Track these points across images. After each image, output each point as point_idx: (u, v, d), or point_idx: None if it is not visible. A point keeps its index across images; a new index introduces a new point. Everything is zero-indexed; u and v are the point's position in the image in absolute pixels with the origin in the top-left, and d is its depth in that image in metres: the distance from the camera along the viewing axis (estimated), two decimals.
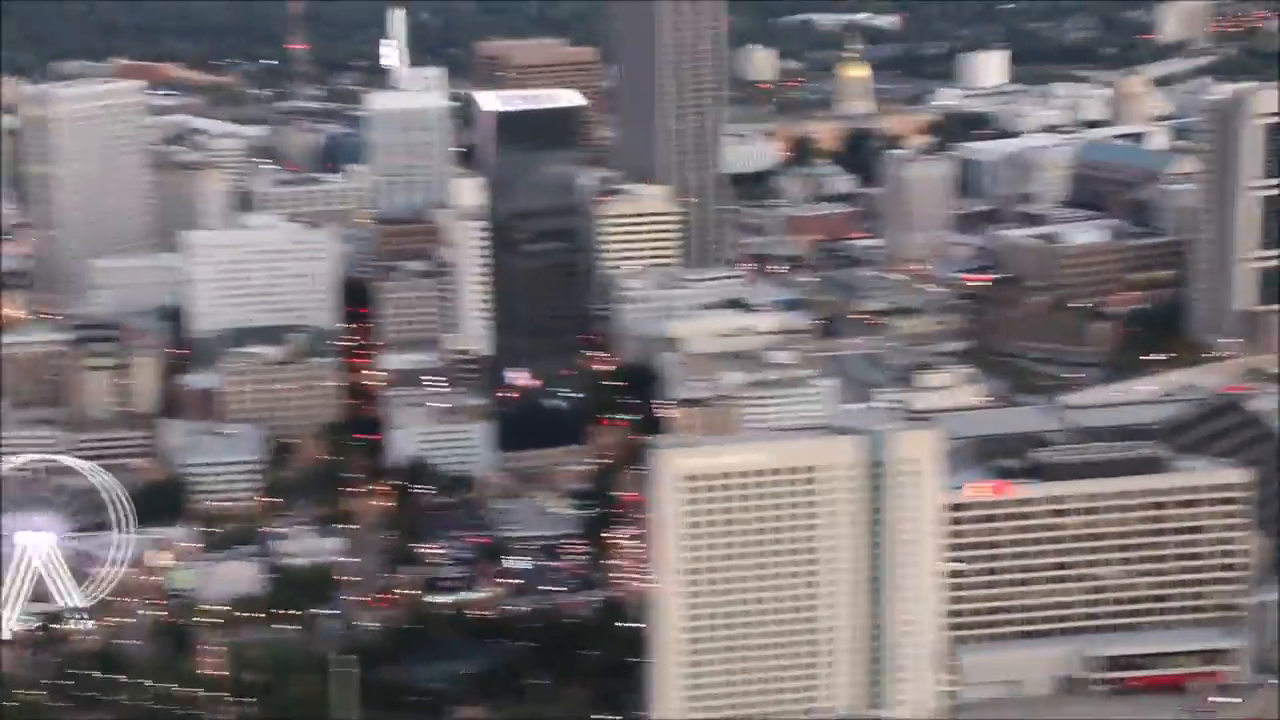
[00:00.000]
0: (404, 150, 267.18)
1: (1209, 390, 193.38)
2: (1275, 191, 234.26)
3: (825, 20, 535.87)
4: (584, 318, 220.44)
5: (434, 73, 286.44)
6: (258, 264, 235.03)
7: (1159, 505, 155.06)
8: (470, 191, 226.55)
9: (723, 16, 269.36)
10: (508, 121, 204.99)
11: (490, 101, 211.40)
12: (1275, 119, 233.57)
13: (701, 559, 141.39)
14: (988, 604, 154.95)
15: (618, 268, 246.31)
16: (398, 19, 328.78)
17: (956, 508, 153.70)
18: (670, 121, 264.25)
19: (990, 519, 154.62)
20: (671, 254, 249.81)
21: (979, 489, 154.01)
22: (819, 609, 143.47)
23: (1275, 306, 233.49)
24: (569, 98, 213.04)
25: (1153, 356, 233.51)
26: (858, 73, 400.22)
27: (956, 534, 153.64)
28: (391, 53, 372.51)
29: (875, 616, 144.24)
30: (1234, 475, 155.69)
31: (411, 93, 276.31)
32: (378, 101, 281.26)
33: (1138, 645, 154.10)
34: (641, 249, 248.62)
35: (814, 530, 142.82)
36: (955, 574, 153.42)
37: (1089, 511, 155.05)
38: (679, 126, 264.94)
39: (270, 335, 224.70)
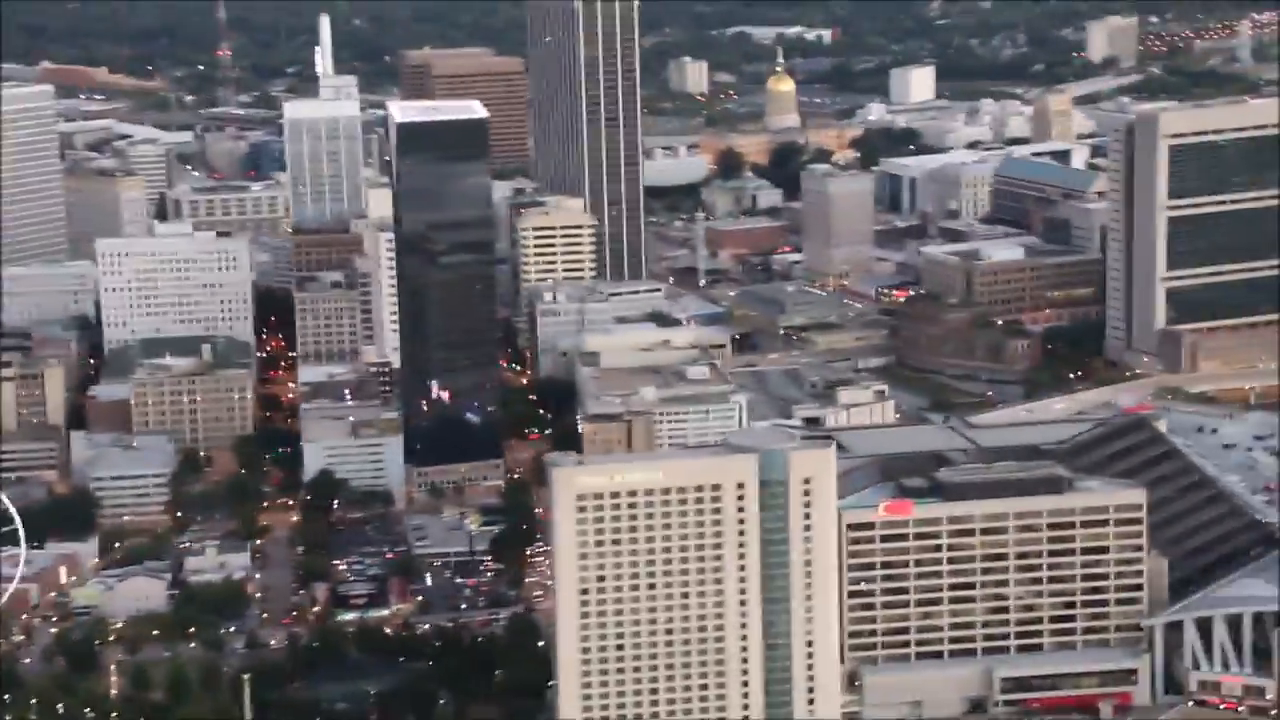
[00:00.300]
0: (320, 159, 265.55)
1: (1116, 409, 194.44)
2: (1185, 212, 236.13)
3: (760, 33, 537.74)
4: (498, 330, 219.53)
5: (347, 81, 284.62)
6: (170, 273, 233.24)
7: (1061, 525, 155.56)
8: (383, 202, 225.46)
9: (636, 27, 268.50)
10: (412, 132, 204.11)
11: (398, 112, 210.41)
12: (1184, 139, 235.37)
13: (598, 578, 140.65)
14: (892, 624, 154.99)
15: (536, 280, 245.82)
16: (324, 25, 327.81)
17: (860, 527, 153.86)
18: (588, 133, 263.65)
19: (894, 538, 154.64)
20: (589, 267, 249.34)
21: (883, 508, 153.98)
22: (718, 629, 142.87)
23: (1187, 325, 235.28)
24: (475, 109, 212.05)
25: (1069, 374, 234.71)
26: (784, 86, 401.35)
27: (860, 553, 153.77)
28: (319, 60, 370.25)
29: (775, 636, 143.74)
30: (1135, 495, 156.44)
31: (329, 101, 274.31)
32: (294, 110, 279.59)
33: (1042, 666, 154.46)
34: (559, 261, 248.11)
35: (711, 549, 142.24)
36: (858, 593, 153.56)
37: (992, 531, 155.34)
38: (598, 139, 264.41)
39: (183, 346, 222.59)
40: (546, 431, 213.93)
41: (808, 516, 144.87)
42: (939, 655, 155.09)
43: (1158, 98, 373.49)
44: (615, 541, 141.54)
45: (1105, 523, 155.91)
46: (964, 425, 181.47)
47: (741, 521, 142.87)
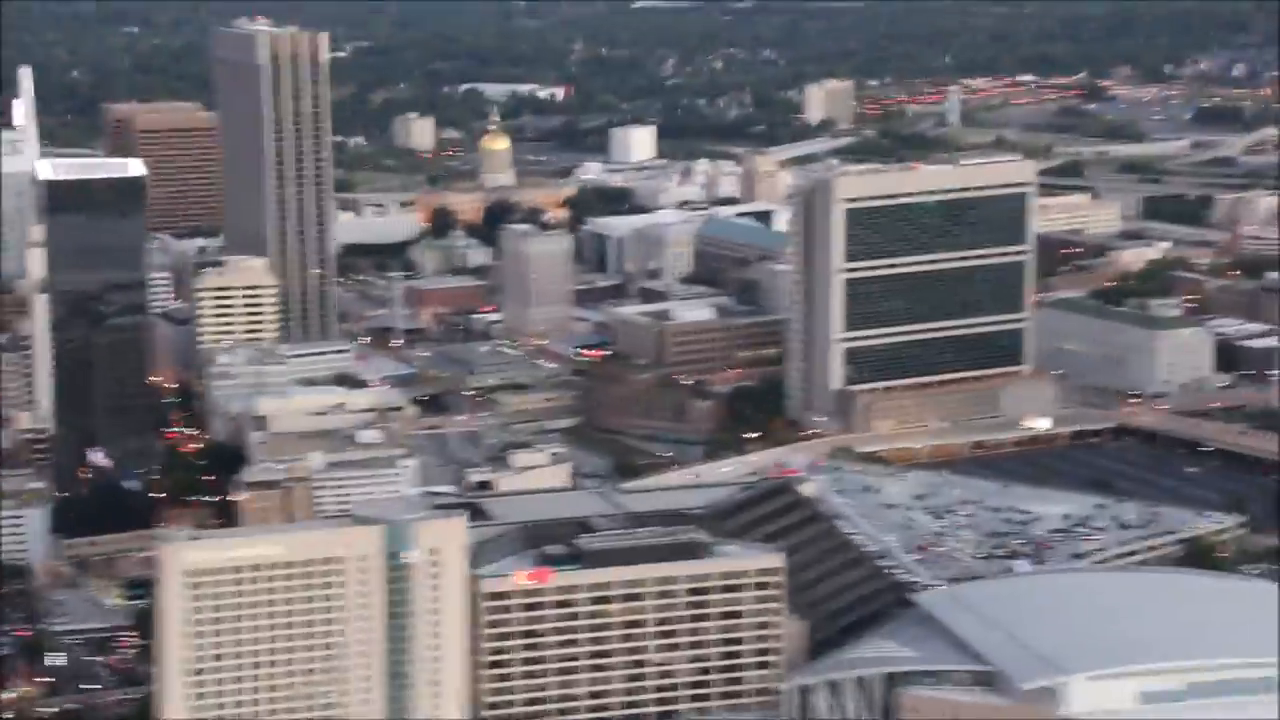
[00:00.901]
0: None
1: (762, 472, 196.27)
2: (861, 274, 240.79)
3: (493, 90, 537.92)
4: (159, 395, 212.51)
5: (20, 134, 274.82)
6: None
7: (699, 590, 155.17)
8: (39, 262, 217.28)
9: (327, 83, 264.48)
10: (60, 191, 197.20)
11: (46, 169, 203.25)
12: (860, 203, 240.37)
13: (214, 657, 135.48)
14: (530, 694, 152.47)
15: (214, 341, 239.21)
16: (25, 77, 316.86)
17: (498, 596, 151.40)
18: (274, 191, 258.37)
19: (532, 607, 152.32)
20: (272, 328, 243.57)
21: (520, 577, 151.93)
22: (336, 707, 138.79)
23: (862, 386, 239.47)
24: (132, 166, 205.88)
25: (749, 435, 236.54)
26: (499, 145, 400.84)
27: (499, 623, 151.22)
28: (19, 112, 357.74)
29: (397, 712, 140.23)
30: (773, 559, 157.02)
31: (5, 156, 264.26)
32: None
33: None
34: (239, 322, 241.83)
35: (330, 625, 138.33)
36: (497, 664, 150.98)
37: (630, 598, 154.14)
38: (283, 196, 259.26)
39: None
40: (208, 499, 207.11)
41: (435, 589, 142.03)
42: None
43: (870, 159, 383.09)
44: (232, 619, 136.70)
45: (743, 587, 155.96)
46: (613, 491, 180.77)
47: (364, 596, 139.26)
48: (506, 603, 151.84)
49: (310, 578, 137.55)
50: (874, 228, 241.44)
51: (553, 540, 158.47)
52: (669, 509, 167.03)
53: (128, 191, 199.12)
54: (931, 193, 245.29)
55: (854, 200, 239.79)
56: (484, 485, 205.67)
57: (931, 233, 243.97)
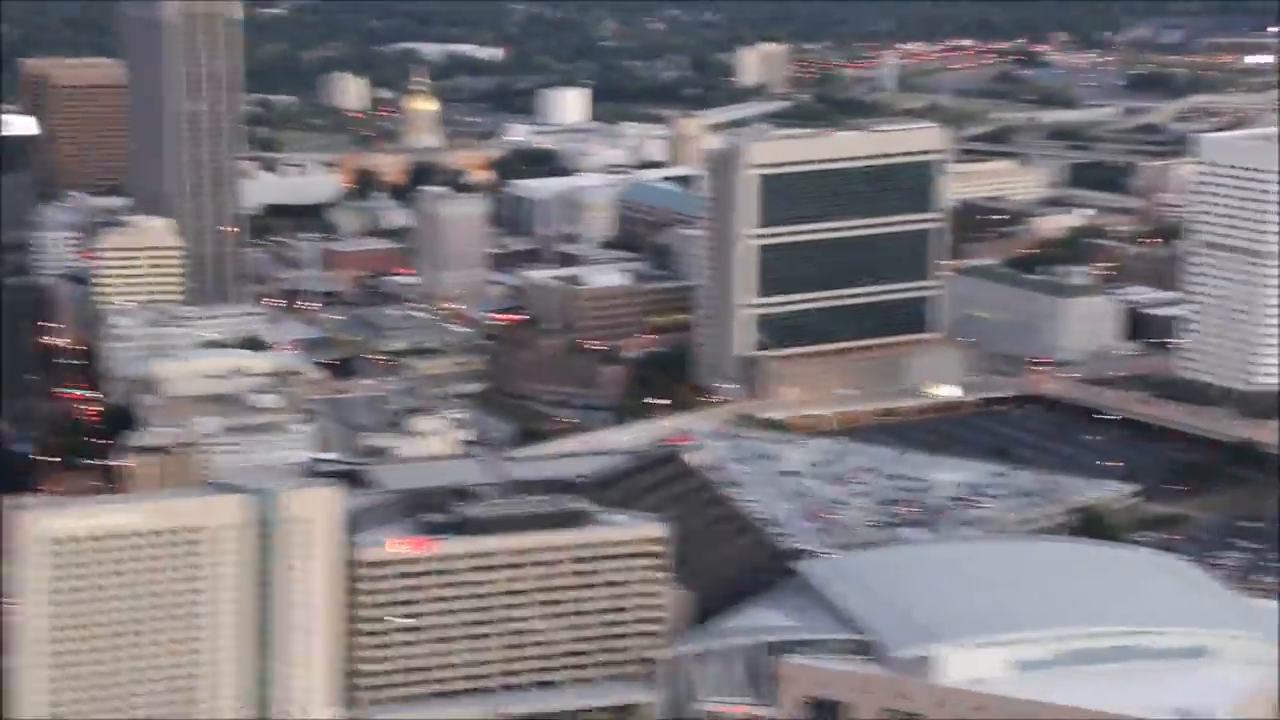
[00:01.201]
0: None
1: (657, 440, 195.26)
2: (771, 240, 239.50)
3: (429, 50, 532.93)
4: (50, 356, 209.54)
5: None
6: None
7: (582, 560, 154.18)
8: None
9: (239, 42, 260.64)
10: None
11: None
12: (773, 170, 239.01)
13: (69, 626, 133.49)
14: (407, 663, 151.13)
15: (116, 303, 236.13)
16: None
17: (376, 564, 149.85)
18: (177, 150, 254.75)
19: (410, 575, 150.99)
20: (175, 289, 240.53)
21: (397, 545, 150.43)
22: (201, 677, 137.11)
23: (770, 352, 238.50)
24: (20, 124, 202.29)
25: (657, 401, 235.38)
26: (425, 105, 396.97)
27: (376, 591, 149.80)
28: None
29: (264, 681, 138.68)
30: (655, 529, 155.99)
31: None
32: None
33: (552, 702, 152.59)
34: (143, 284, 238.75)
35: (194, 595, 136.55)
36: (374, 633, 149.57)
37: (511, 566, 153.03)
38: (192, 155, 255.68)
39: None
40: (97, 463, 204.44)
41: (305, 559, 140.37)
42: (455, 694, 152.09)
43: (806, 124, 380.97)
44: (93, 589, 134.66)
45: (625, 556, 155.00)
46: (502, 459, 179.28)
47: (229, 566, 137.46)
48: (384, 571, 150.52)
49: (174, 547, 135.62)
50: (785, 194, 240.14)
51: (435, 508, 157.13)
52: (555, 477, 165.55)
53: (14, 150, 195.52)
54: (843, 160, 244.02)
55: (764, 166, 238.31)
56: (377, 451, 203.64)
57: (842, 200, 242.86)
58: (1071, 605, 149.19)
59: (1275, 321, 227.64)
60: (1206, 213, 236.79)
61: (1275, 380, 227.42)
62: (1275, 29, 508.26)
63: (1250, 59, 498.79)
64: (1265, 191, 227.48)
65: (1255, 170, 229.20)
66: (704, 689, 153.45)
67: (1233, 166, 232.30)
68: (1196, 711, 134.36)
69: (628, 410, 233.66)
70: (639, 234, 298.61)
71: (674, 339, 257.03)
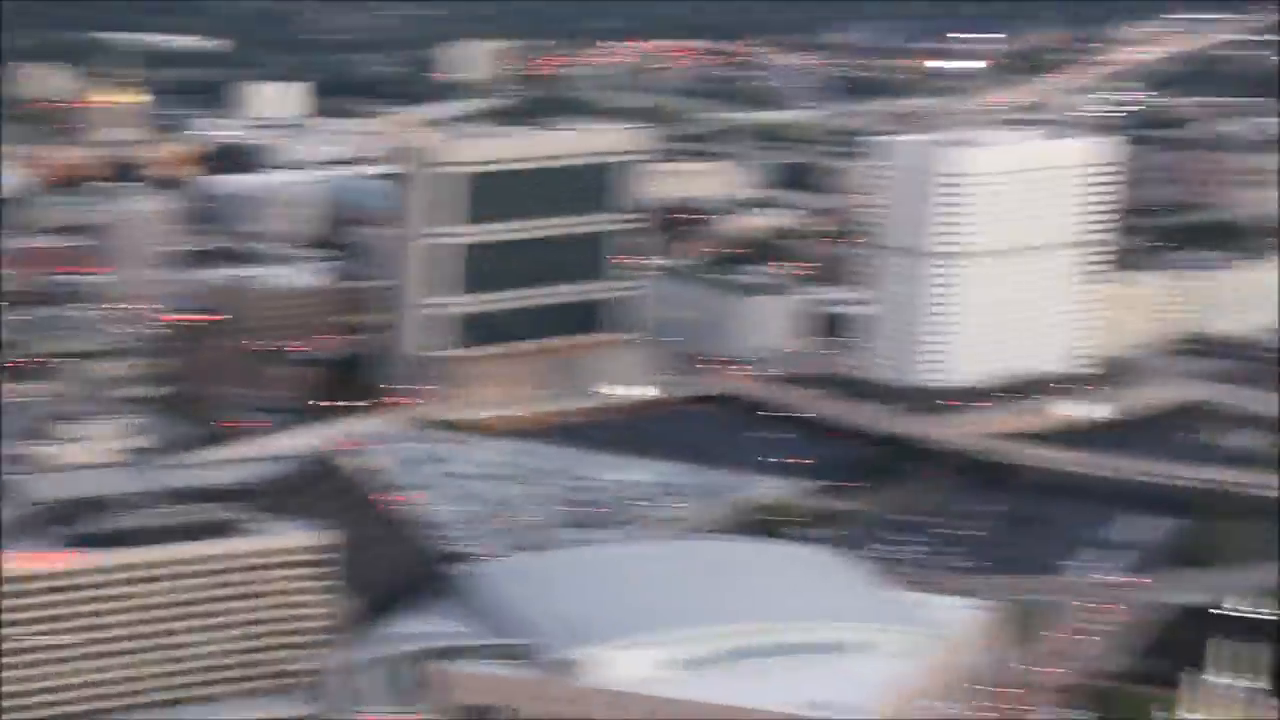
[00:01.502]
0: None
1: (330, 444, 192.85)
2: (452, 240, 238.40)
3: (147, 40, 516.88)
4: None
5: None
6: None
7: (234, 570, 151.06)
8: None
9: None
10: None
11: None
12: (452, 169, 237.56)
13: None
14: (57, 681, 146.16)
15: None
16: None
17: (18, 579, 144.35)
18: None
19: (52, 590, 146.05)
20: None
21: (35, 559, 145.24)
22: None
23: (457, 352, 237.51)
24: None
25: (340, 403, 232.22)
26: (127, 98, 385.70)
27: (20, 608, 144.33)
28: None
29: None
30: (313, 538, 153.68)
31: None
32: None
33: (207, 717, 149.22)
34: None
35: None
36: (19, 650, 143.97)
37: (160, 579, 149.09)
38: None
39: None
40: None
41: None
42: (109, 711, 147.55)
43: (521, 122, 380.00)
44: None
45: (280, 566, 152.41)
46: (157, 467, 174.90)
47: None
48: (27, 586, 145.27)
49: None
50: (470, 194, 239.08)
51: (82, 519, 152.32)
52: (211, 486, 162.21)
53: None
54: (532, 160, 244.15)
55: (448, 165, 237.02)
56: (19, 460, 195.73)
57: (526, 200, 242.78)
58: (724, 603, 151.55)
59: (937, 319, 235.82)
60: (878, 213, 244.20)
61: (938, 376, 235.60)
62: (963, 34, 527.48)
63: (930, 63, 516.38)
64: (925, 192, 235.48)
65: (917, 171, 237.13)
66: (363, 699, 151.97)
67: (899, 168, 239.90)
68: (834, 705, 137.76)
69: (306, 413, 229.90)
70: (337, 232, 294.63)
71: (360, 340, 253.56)
